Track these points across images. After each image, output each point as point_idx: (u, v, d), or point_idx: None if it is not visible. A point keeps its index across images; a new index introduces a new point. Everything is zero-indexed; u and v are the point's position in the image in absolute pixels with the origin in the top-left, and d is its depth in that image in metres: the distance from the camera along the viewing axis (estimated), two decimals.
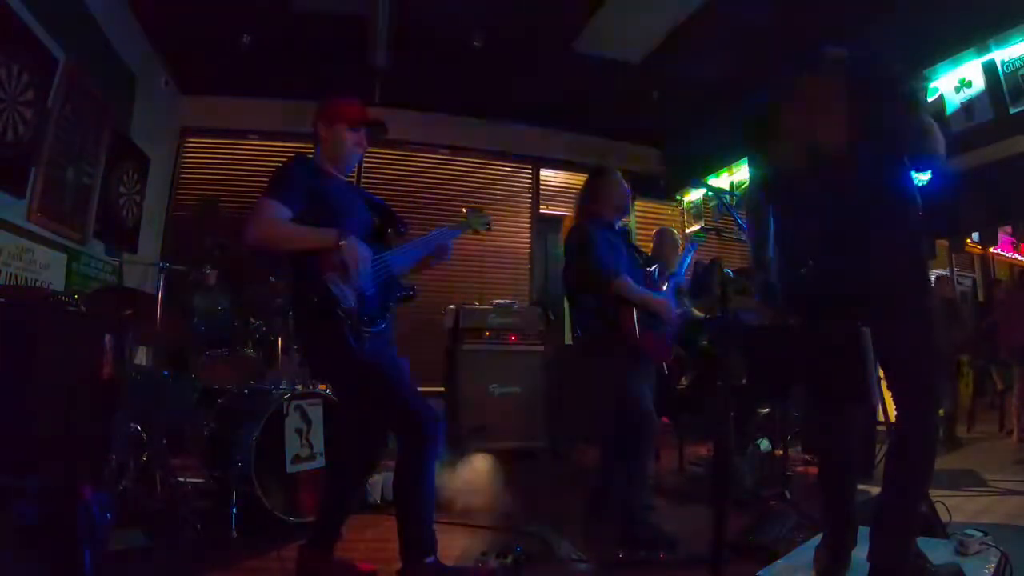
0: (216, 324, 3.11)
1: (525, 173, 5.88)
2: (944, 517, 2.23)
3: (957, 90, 3.52)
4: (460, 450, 3.60)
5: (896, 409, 1.77)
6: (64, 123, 3.28)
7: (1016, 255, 8.69)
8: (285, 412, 2.62)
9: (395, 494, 1.92)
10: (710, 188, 2.92)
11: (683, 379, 3.93)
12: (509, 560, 2.07)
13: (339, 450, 2.47)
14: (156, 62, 4.50)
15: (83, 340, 2.57)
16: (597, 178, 2.73)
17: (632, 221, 5.66)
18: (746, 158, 2.60)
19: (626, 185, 2.72)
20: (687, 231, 6.03)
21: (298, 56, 4.46)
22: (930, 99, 3.59)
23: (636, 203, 3.98)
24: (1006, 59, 3.28)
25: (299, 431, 2.66)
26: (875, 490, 1.78)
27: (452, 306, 4.66)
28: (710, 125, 5.15)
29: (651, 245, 3.83)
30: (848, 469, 1.90)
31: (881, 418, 2.98)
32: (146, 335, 3.14)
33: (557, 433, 4.55)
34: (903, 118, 1.75)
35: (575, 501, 2.88)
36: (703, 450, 4.05)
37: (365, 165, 5.28)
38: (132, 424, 2.82)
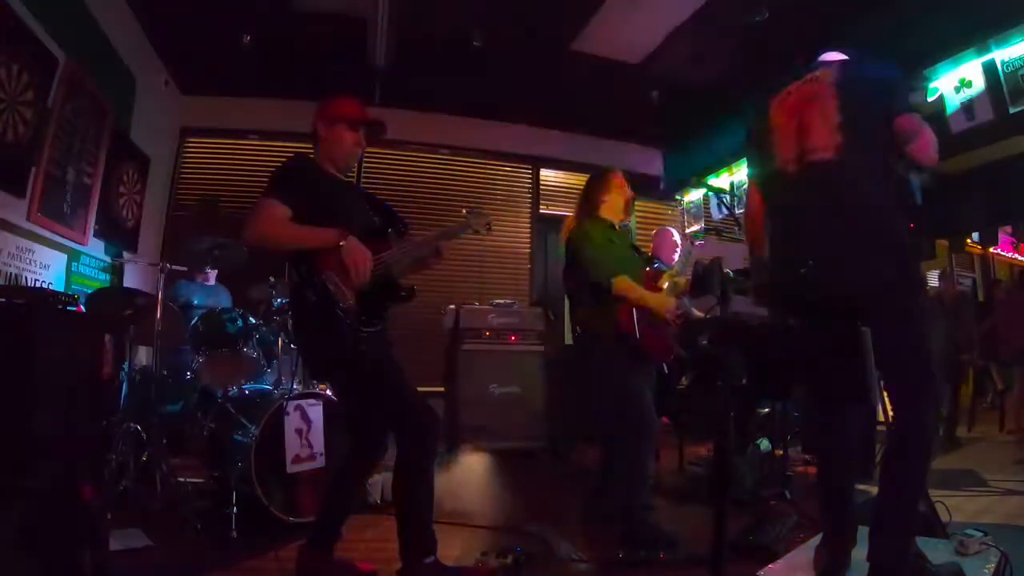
0: (216, 324, 3.11)
1: (525, 173, 5.88)
2: (944, 517, 2.23)
3: (957, 90, 3.52)
4: (457, 449, 3.59)
5: (892, 409, 1.77)
6: (64, 123, 3.28)
7: (1016, 255, 8.69)
8: (285, 412, 2.62)
9: (395, 494, 1.92)
10: (710, 188, 2.91)
11: (683, 379, 3.93)
12: (509, 560, 2.07)
13: (339, 450, 2.47)
14: (156, 62, 4.51)
15: (83, 340, 2.58)
16: (599, 178, 2.73)
17: (632, 221, 5.66)
18: (745, 159, 2.61)
19: (628, 186, 2.72)
20: (687, 231, 6.03)
21: (298, 56, 4.46)
22: (930, 99, 3.59)
23: (636, 203, 3.95)
24: (1006, 59, 3.28)
25: (299, 431, 2.66)
26: (875, 490, 1.78)
27: (452, 306, 4.66)
28: (710, 125, 5.16)
29: (651, 245, 3.84)
30: (848, 469, 1.90)
31: (881, 418, 2.98)
32: (146, 335, 3.14)
33: (557, 433, 4.55)
34: (892, 122, 1.76)
35: (575, 501, 2.88)
36: (703, 450, 4.05)
37: (365, 165, 5.28)
38: (132, 424, 2.83)
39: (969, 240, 8.01)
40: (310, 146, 2.09)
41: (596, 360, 2.56)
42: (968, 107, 3.47)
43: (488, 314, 4.58)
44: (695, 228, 6.01)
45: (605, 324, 2.51)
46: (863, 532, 1.74)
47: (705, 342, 3.59)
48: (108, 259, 3.94)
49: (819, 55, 2.04)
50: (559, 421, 4.57)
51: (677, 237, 3.62)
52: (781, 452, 3.34)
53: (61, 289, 3.21)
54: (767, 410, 3.76)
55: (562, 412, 4.58)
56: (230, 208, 4.87)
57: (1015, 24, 3.14)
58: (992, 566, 1.85)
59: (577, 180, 5.53)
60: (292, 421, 2.64)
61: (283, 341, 3.04)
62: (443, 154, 5.63)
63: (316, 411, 2.74)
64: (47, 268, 3.22)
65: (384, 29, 3.99)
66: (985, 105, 3.38)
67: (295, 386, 2.78)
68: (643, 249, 3.02)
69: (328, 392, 2.75)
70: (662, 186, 6.12)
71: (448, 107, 5.38)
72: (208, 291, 3.90)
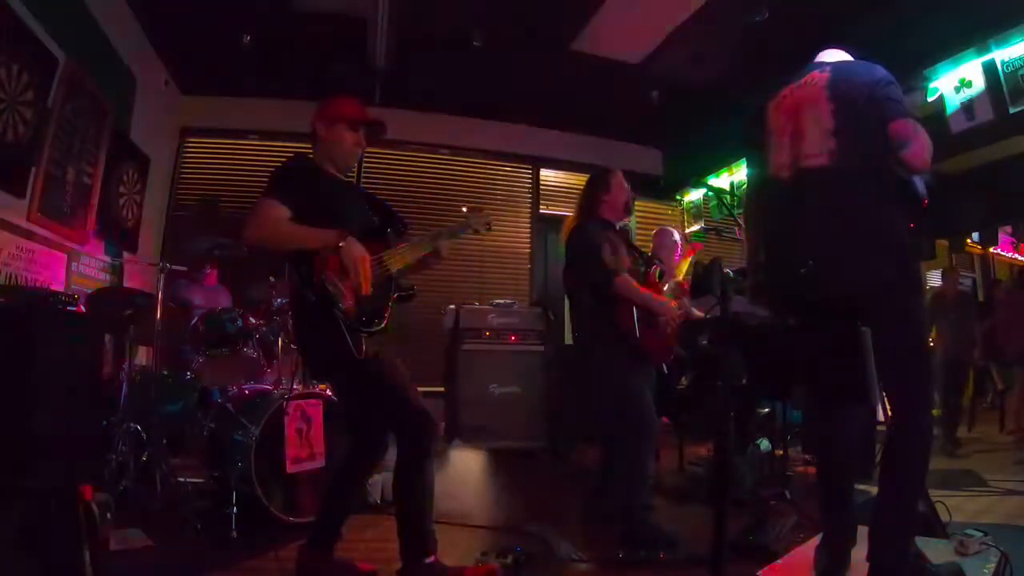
0: (216, 324, 3.11)
1: (525, 173, 5.88)
2: (944, 517, 2.23)
3: (957, 90, 3.52)
4: (457, 449, 3.60)
5: (890, 409, 1.78)
6: (64, 123, 3.28)
7: (1016, 255, 8.69)
8: (285, 412, 2.62)
9: (395, 494, 1.92)
10: (710, 188, 2.92)
11: (683, 379, 3.93)
12: (509, 560, 2.07)
13: (339, 450, 2.47)
14: (156, 62, 4.50)
15: (83, 340, 2.58)
16: (599, 178, 2.73)
17: (632, 221, 5.66)
18: (744, 159, 2.62)
19: (628, 186, 2.73)
20: (687, 231, 6.03)
21: (298, 56, 4.46)
22: (930, 99, 3.59)
23: (636, 203, 3.95)
24: (1006, 59, 3.28)
25: (299, 431, 2.66)
26: (875, 490, 1.78)
27: (452, 306, 4.66)
28: (710, 125, 5.16)
29: (651, 245, 3.84)
30: (848, 469, 1.90)
31: (881, 418, 2.98)
32: (146, 335, 3.14)
33: (557, 433, 4.55)
34: (887, 126, 1.76)
35: (575, 501, 2.88)
36: (703, 450, 4.05)
37: (365, 165, 5.28)
38: (132, 424, 2.83)
39: (969, 240, 8.01)
40: (310, 146, 2.09)
41: (596, 360, 2.56)
42: (968, 107, 3.47)
43: (488, 314, 4.58)
44: (695, 228, 6.01)
45: (605, 324, 2.51)
46: (863, 532, 1.74)
47: (705, 342, 3.59)
48: (108, 259, 3.94)
49: (818, 53, 2.06)
50: (559, 421, 4.57)
51: (677, 237, 3.63)
52: (781, 452, 3.34)
53: (61, 289, 3.21)
54: (767, 410, 3.76)
55: (562, 412, 4.58)
56: (230, 208, 4.87)
57: (1015, 24, 3.14)
58: (992, 566, 1.85)
59: (577, 180, 5.53)
60: (292, 421, 2.64)
61: (283, 341, 3.04)
62: (443, 154, 5.63)
63: (316, 411, 2.74)
64: (47, 268, 3.22)
65: (384, 29, 3.99)
66: (985, 105, 3.38)
67: (295, 386, 2.78)
68: (643, 249, 3.02)
69: (328, 392, 2.76)
70: (662, 186, 6.13)
71: (448, 107, 5.38)
72: (208, 291, 3.90)
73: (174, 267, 3.16)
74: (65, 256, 3.41)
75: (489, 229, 2.34)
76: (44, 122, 3.11)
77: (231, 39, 4.16)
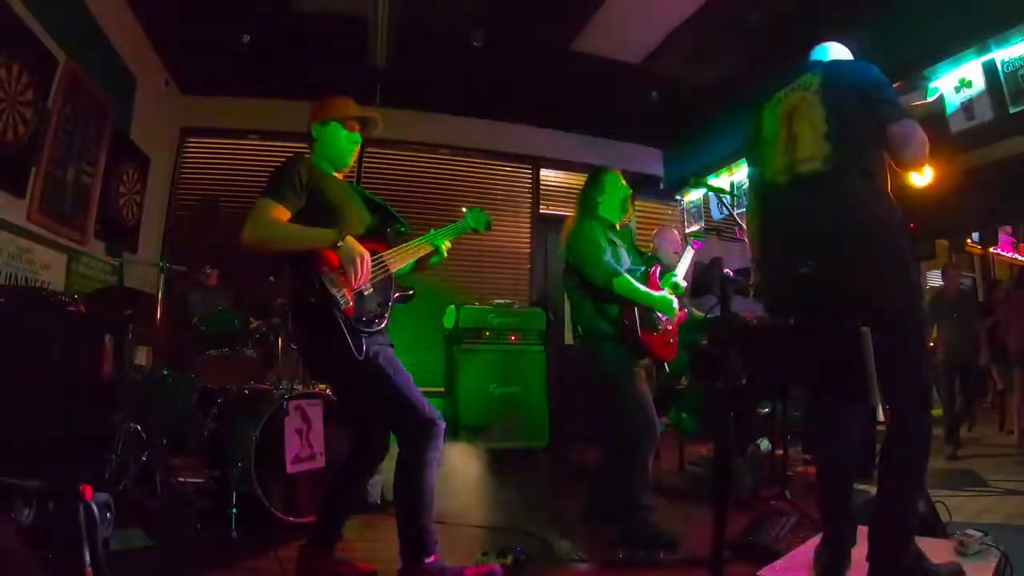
0: (216, 324, 3.11)
1: (525, 173, 5.88)
2: (944, 517, 2.23)
3: (957, 90, 3.51)
4: (457, 449, 3.59)
5: (889, 410, 1.78)
6: (64, 123, 3.28)
7: (1016, 255, 8.69)
8: (285, 412, 2.62)
9: (395, 494, 1.92)
10: (710, 188, 2.92)
11: (683, 379, 3.93)
12: (509, 560, 2.07)
13: (339, 450, 2.47)
14: (156, 62, 4.50)
15: (83, 340, 2.58)
16: (596, 178, 2.73)
17: (632, 221, 5.66)
18: (744, 160, 2.63)
19: (625, 184, 2.73)
20: (687, 231, 6.03)
21: (298, 56, 4.46)
22: (930, 99, 3.59)
23: (636, 203, 3.97)
24: (1006, 59, 3.27)
25: (299, 431, 2.66)
26: (875, 490, 1.78)
27: (452, 306, 4.67)
28: (710, 125, 5.16)
29: (651, 245, 3.84)
30: (847, 469, 1.90)
31: (881, 418, 2.98)
32: (146, 335, 3.14)
33: (557, 433, 4.55)
34: (883, 127, 1.77)
35: (575, 501, 2.88)
36: (703, 450, 4.05)
37: (365, 165, 5.28)
38: (132, 424, 2.83)
39: (969, 240, 8.01)
40: (307, 146, 2.10)
41: (596, 360, 2.56)
42: (968, 107, 3.46)
43: (488, 314, 4.59)
44: (695, 228, 6.00)
45: (605, 324, 2.51)
46: (863, 532, 1.74)
47: (705, 342, 3.58)
48: (108, 259, 3.94)
49: (813, 49, 2.06)
50: (559, 421, 4.57)
51: (678, 237, 3.63)
52: (781, 452, 3.34)
53: (61, 289, 3.21)
54: (767, 410, 3.76)
55: (562, 412, 4.58)
56: (230, 208, 4.87)
57: (1015, 24, 3.13)
58: (992, 566, 1.86)
59: (577, 180, 5.53)
60: (292, 421, 2.64)
61: (283, 341, 3.04)
62: (443, 154, 5.63)
63: (316, 411, 2.74)
64: (47, 268, 3.22)
65: (384, 29, 3.99)
66: (985, 105, 3.38)
67: (295, 386, 2.78)
68: (643, 249, 3.03)
69: (328, 392, 2.76)
70: (662, 186, 6.13)
71: (448, 107, 5.38)
72: (209, 291, 3.89)
73: (174, 267, 3.16)
74: (65, 256, 3.41)
75: (489, 229, 2.34)
76: (44, 122, 3.11)
77: (231, 39, 4.16)
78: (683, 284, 2.75)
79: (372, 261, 1.89)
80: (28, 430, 2.12)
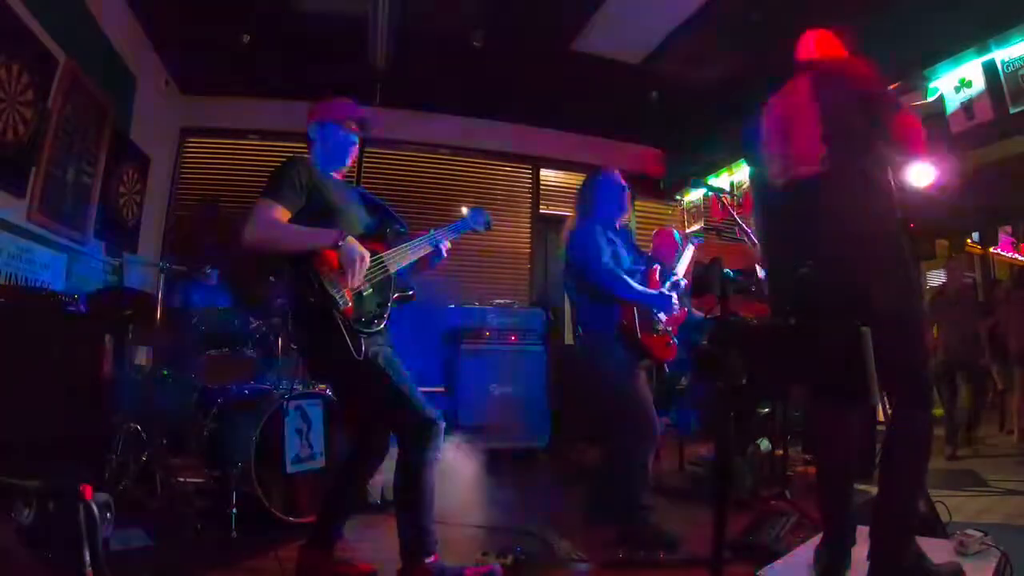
0: (216, 324, 3.11)
1: (525, 173, 5.88)
2: (944, 517, 2.23)
3: (957, 90, 3.51)
4: (457, 449, 3.59)
5: (889, 409, 1.78)
6: (64, 123, 3.28)
7: (1016, 255, 8.68)
8: (285, 412, 2.62)
9: (395, 494, 1.92)
10: (710, 188, 2.92)
11: (683, 379, 3.93)
12: (509, 560, 2.07)
13: (339, 450, 2.47)
14: (156, 62, 4.50)
15: (83, 340, 2.58)
16: (596, 178, 2.73)
17: (632, 221, 5.66)
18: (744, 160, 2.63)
19: (625, 185, 2.73)
20: (687, 231, 6.03)
21: (298, 56, 4.46)
22: (930, 99, 3.59)
23: (636, 203, 3.99)
24: (1006, 59, 3.28)
25: (299, 431, 2.66)
26: (875, 490, 1.78)
27: (452, 306, 4.67)
28: (710, 125, 5.16)
29: (651, 245, 3.84)
30: (847, 469, 1.90)
31: (881, 418, 2.98)
32: (146, 335, 3.14)
33: (557, 433, 4.55)
34: (878, 126, 1.77)
35: (575, 501, 2.88)
36: (703, 450, 4.05)
37: (365, 165, 5.28)
38: (132, 424, 2.83)
39: (969, 240, 8.00)
40: (307, 147, 2.10)
41: (596, 360, 2.56)
42: (968, 107, 3.46)
43: (488, 314, 4.59)
44: (695, 228, 6.00)
45: (605, 324, 2.51)
46: (863, 532, 1.74)
47: (705, 342, 3.58)
48: (108, 259, 3.94)
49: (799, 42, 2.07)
50: (559, 421, 4.57)
51: (677, 237, 3.62)
52: (781, 452, 3.34)
53: (61, 289, 3.21)
54: (767, 410, 3.76)
55: (562, 412, 4.58)
56: (230, 208, 4.87)
57: (1015, 24, 3.13)
58: (992, 566, 1.85)
59: (577, 180, 5.50)
60: (292, 421, 2.64)
61: (283, 341, 3.04)
62: (443, 154, 5.63)
63: (316, 411, 2.74)
64: (47, 268, 3.22)
65: (384, 29, 3.98)
66: (985, 105, 3.38)
67: (295, 386, 2.78)
68: (643, 249, 3.03)
69: (328, 392, 2.76)
70: (662, 186, 6.13)
71: (448, 107, 5.37)
72: (209, 290, 3.89)
73: (174, 267, 3.16)
74: (65, 256, 3.41)
75: (489, 228, 2.34)
76: (44, 122, 3.10)
77: (231, 39, 4.16)
78: (683, 282, 2.74)
79: (372, 261, 1.90)
80: (28, 430, 2.12)
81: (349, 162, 2.13)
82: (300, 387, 2.79)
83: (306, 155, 2.07)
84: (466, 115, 5.50)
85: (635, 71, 4.62)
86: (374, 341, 1.89)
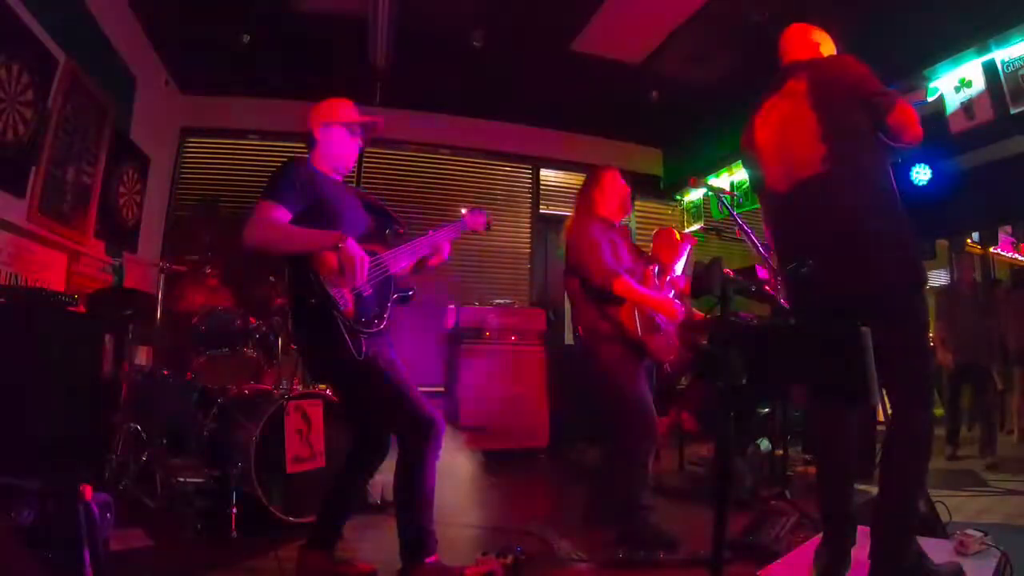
0: (216, 324, 3.11)
1: (525, 173, 5.88)
2: (944, 517, 2.24)
3: (957, 90, 3.51)
4: (457, 449, 3.60)
5: (891, 408, 1.78)
6: (64, 123, 3.28)
7: (1016, 255, 8.68)
8: (285, 412, 2.62)
9: (395, 494, 1.92)
10: (710, 188, 2.92)
11: (682, 379, 3.93)
12: (509, 560, 2.07)
13: (339, 450, 2.47)
14: (156, 62, 4.50)
15: (83, 340, 2.58)
16: (595, 177, 2.73)
17: (632, 221, 5.66)
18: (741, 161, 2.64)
19: (626, 184, 2.73)
20: (687, 231, 6.03)
21: (298, 56, 4.46)
22: (930, 99, 3.59)
23: (636, 203, 3.98)
24: (1006, 59, 3.27)
25: (299, 431, 2.66)
26: (875, 490, 1.78)
27: (452, 306, 4.67)
28: (710, 125, 5.16)
29: (651, 245, 3.84)
30: (847, 469, 1.90)
31: (881, 418, 2.98)
32: (146, 335, 3.14)
33: (557, 433, 4.55)
34: (876, 121, 1.77)
35: (575, 501, 2.88)
36: (703, 450, 4.05)
37: (365, 165, 5.29)
38: (132, 424, 2.83)
39: (969, 240, 8.00)
40: (307, 147, 2.10)
41: (597, 360, 2.56)
42: (968, 107, 3.46)
43: (488, 314, 4.59)
44: (695, 228, 6.00)
45: (606, 324, 2.51)
46: (863, 532, 1.74)
47: (705, 342, 3.58)
48: (108, 259, 3.94)
49: (783, 38, 2.07)
50: (559, 421, 4.57)
51: (678, 237, 3.62)
52: (781, 452, 3.34)
53: (61, 289, 3.21)
54: (767, 410, 3.76)
55: (562, 412, 4.58)
56: (230, 208, 4.87)
57: (1015, 24, 3.13)
58: (992, 566, 1.86)
59: (577, 180, 5.51)
60: (292, 421, 2.64)
61: (283, 341, 3.04)
62: (443, 154, 5.63)
63: (316, 411, 2.74)
64: (47, 268, 3.22)
65: (384, 29, 3.98)
66: (985, 105, 3.38)
67: (295, 386, 2.78)
68: (643, 249, 3.02)
69: (328, 392, 2.76)
70: (662, 186, 6.13)
71: (448, 107, 5.38)
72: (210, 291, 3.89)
73: (174, 267, 3.16)
74: (65, 256, 3.41)
75: (488, 229, 2.34)
76: (44, 122, 3.10)
77: (231, 39, 4.16)
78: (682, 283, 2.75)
79: (371, 262, 1.90)
80: (28, 430, 2.12)
81: (352, 165, 2.13)
82: (300, 387, 2.79)
83: (307, 156, 2.07)
84: (466, 115, 5.50)
85: (635, 71, 4.62)
86: (374, 341, 1.90)
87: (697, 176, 4.60)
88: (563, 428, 4.58)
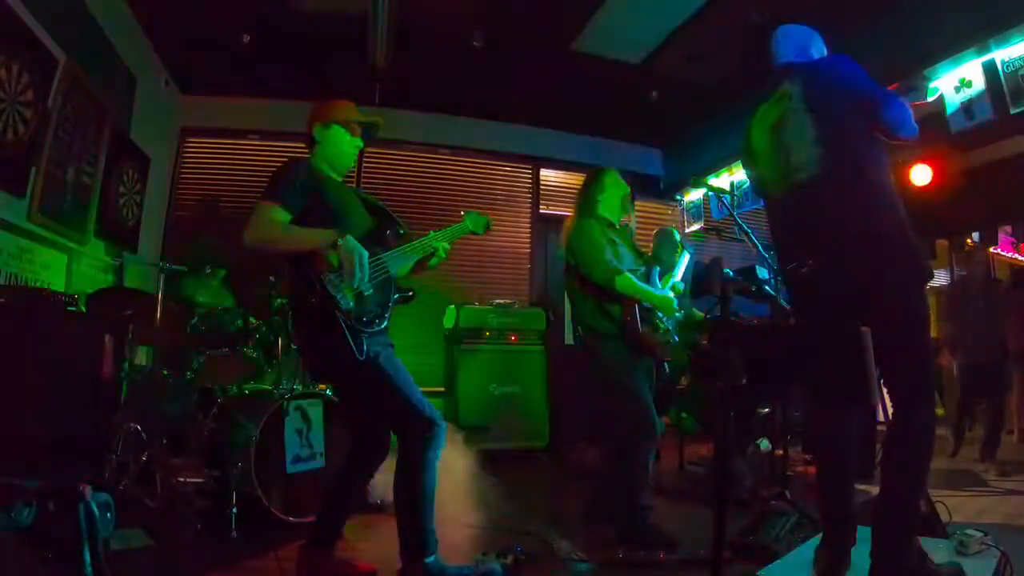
0: (216, 324, 3.11)
1: (525, 173, 5.88)
2: (944, 517, 2.24)
3: (957, 90, 3.51)
4: (457, 449, 3.60)
5: (893, 407, 1.78)
6: (64, 123, 3.28)
7: (1016, 255, 8.68)
8: (285, 412, 2.62)
9: (395, 494, 1.92)
10: (710, 188, 2.92)
11: (683, 379, 3.93)
12: (509, 560, 2.07)
13: (339, 450, 2.47)
14: (156, 62, 4.50)
15: (83, 340, 2.58)
16: (594, 177, 2.74)
17: (632, 221, 5.65)
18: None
19: (623, 183, 2.73)
20: (687, 231, 6.03)
21: (298, 56, 4.46)
22: (930, 99, 3.59)
23: (636, 203, 3.98)
24: (1006, 59, 3.27)
25: (299, 431, 2.66)
26: (875, 490, 1.78)
27: (452, 306, 4.67)
28: (710, 125, 5.16)
29: (651, 245, 3.84)
30: (847, 469, 1.90)
31: (881, 418, 2.98)
32: (146, 335, 3.14)
33: (557, 433, 4.55)
34: (871, 120, 1.78)
35: (575, 501, 2.88)
36: (703, 450, 4.05)
37: (365, 165, 5.28)
38: (132, 424, 2.83)
39: (969, 240, 8.00)
40: (307, 147, 2.10)
41: (597, 359, 2.56)
42: (968, 107, 3.46)
43: (488, 314, 4.59)
44: (695, 228, 6.00)
45: (606, 323, 2.51)
46: (863, 532, 1.74)
47: (705, 342, 3.59)
48: (108, 259, 3.94)
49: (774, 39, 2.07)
50: (559, 421, 4.57)
51: (678, 237, 3.63)
52: (781, 452, 3.34)
53: (61, 289, 3.21)
54: (767, 410, 3.77)
55: (562, 412, 4.58)
56: (230, 208, 4.87)
57: (1015, 24, 3.13)
58: (992, 566, 1.86)
59: (577, 180, 5.50)
60: (292, 421, 2.64)
61: (283, 341, 3.03)
62: (443, 154, 5.63)
63: (316, 411, 2.74)
64: (47, 268, 3.22)
65: (384, 29, 3.98)
66: (985, 105, 3.37)
67: (295, 386, 2.78)
68: (643, 249, 3.03)
69: (328, 392, 2.76)
70: (662, 186, 6.13)
71: (448, 107, 5.38)
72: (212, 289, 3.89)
73: (174, 267, 3.16)
74: (65, 256, 3.41)
75: (489, 230, 2.34)
76: (44, 122, 3.10)
77: (231, 39, 4.16)
78: (682, 285, 2.75)
79: (372, 262, 1.90)
80: (28, 430, 2.12)
81: (352, 165, 2.13)
82: (300, 387, 2.79)
83: (307, 156, 2.07)
84: (466, 115, 5.50)
85: (635, 71, 4.62)
86: (375, 341, 1.90)
87: (697, 176, 4.60)
88: (563, 428, 4.58)
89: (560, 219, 4.14)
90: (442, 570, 1.84)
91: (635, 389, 2.47)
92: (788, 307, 2.20)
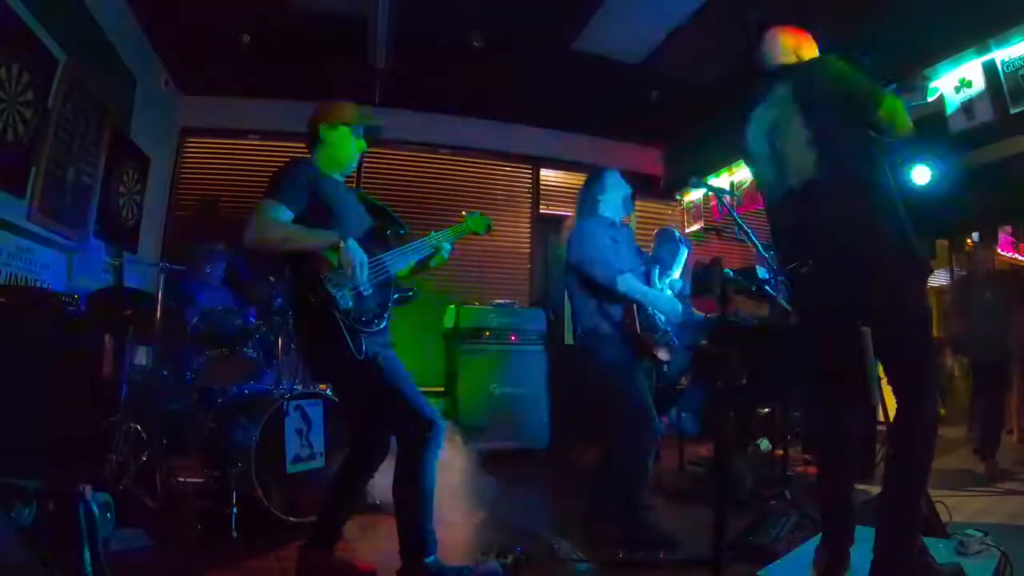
0: (216, 324, 3.11)
1: (525, 173, 5.88)
2: (944, 517, 2.24)
3: (957, 90, 3.51)
4: (457, 449, 3.60)
5: (896, 406, 1.78)
6: (64, 123, 3.28)
7: (1016, 255, 8.68)
8: (285, 412, 2.62)
9: (395, 494, 1.92)
10: (710, 188, 2.92)
11: (683, 379, 3.93)
12: (509, 560, 2.07)
13: (339, 450, 2.47)
14: (156, 62, 4.50)
15: (83, 340, 2.58)
16: (595, 177, 2.74)
17: (632, 221, 5.65)
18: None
19: (625, 183, 2.73)
20: (687, 231, 6.03)
21: (298, 56, 4.46)
22: (930, 99, 3.59)
23: (636, 203, 3.96)
24: (1006, 59, 3.27)
25: (299, 431, 2.66)
26: (875, 490, 1.78)
27: (452, 306, 4.67)
28: (710, 125, 5.16)
29: (651, 245, 3.83)
30: (847, 469, 1.90)
31: (881, 418, 2.98)
32: (146, 335, 3.14)
33: (557, 433, 4.55)
34: (864, 118, 1.78)
35: (575, 501, 2.88)
36: (703, 450, 4.05)
37: (365, 165, 5.28)
38: (132, 424, 2.83)
39: (969, 240, 8.01)
40: (307, 148, 2.10)
41: (597, 359, 2.56)
42: (968, 107, 3.46)
43: (488, 314, 4.59)
44: (695, 228, 6.00)
45: (607, 323, 2.51)
46: (863, 532, 1.74)
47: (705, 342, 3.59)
48: (108, 259, 3.93)
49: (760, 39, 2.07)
50: (559, 421, 4.57)
51: (677, 236, 3.62)
52: (781, 452, 3.34)
53: (61, 289, 3.21)
54: (767, 410, 3.77)
55: (562, 412, 4.58)
56: (230, 208, 4.87)
57: (1015, 24, 3.13)
58: (992, 566, 1.86)
59: (577, 180, 5.51)
60: (292, 421, 2.64)
61: (283, 341, 3.03)
62: (443, 154, 5.63)
63: (316, 411, 2.74)
64: (47, 268, 3.22)
65: (384, 29, 3.99)
66: (985, 105, 3.37)
67: (295, 386, 2.78)
68: (643, 249, 3.03)
69: (328, 392, 2.75)
70: (662, 186, 6.13)
71: (448, 107, 5.38)
72: (212, 290, 3.89)
73: (174, 267, 3.16)
74: (65, 256, 3.41)
75: (489, 231, 2.35)
76: (44, 122, 3.10)
77: (231, 39, 4.16)
78: (680, 282, 2.75)
79: (372, 262, 1.90)
80: (28, 430, 2.12)
81: (354, 166, 2.14)
82: (300, 387, 2.79)
83: (309, 156, 2.07)
84: (466, 115, 5.50)
85: (635, 71, 4.62)
86: (374, 341, 1.90)
87: (697, 176, 4.59)
88: (563, 428, 4.58)
89: (560, 219, 4.14)
90: (442, 570, 1.84)
91: (635, 390, 2.46)
92: (788, 307, 2.20)
